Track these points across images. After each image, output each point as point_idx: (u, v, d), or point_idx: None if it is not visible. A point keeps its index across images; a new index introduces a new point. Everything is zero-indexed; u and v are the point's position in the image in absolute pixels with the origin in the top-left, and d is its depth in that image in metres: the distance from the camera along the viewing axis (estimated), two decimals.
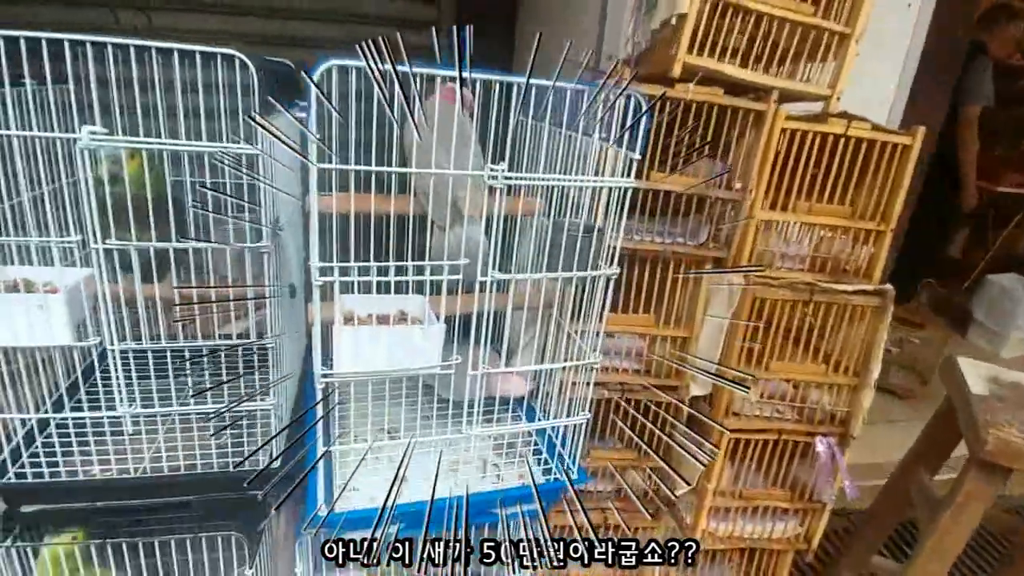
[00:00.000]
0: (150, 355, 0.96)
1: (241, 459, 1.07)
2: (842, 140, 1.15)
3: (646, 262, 1.24)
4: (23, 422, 0.99)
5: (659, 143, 1.16)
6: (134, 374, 0.95)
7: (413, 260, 0.91)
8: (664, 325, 1.29)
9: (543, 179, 0.90)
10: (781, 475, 1.35)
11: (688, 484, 1.35)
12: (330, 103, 0.74)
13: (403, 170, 0.84)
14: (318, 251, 0.82)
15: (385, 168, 0.83)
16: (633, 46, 1.30)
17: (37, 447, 1.01)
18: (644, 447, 1.36)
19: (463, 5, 2.27)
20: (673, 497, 1.37)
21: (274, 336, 0.99)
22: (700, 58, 1.08)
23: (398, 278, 0.89)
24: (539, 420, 1.18)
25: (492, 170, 0.83)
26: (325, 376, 0.88)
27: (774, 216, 1.18)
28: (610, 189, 0.95)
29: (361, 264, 0.86)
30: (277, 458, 0.93)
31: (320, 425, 0.96)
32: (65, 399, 1.07)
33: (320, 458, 0.95)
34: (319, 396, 0.90)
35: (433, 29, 2.29)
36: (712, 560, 1.52)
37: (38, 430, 1.03)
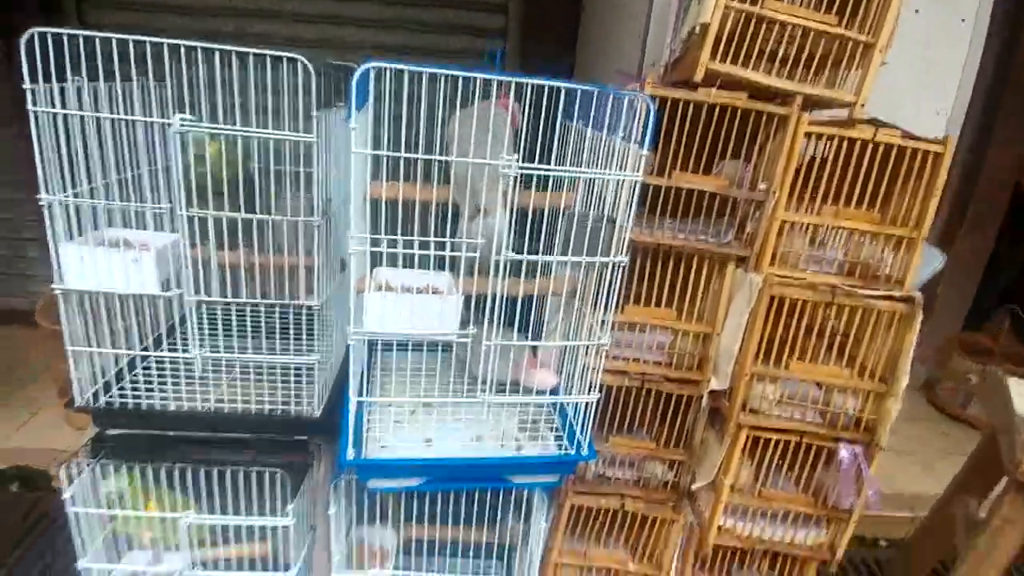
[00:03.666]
0: (219, 310, 1.13)
1: (290, 406, 1.23)
2: (870, 146, 1.16)
3: (670, 257, 1.30)
4: (116, 359, 1.20)
5: (683, 144, 1.22)
6: (206, 326, 1.13)
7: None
8: (687, 320, 1.33)
9: (555, 171, 1.00)
10: (804, 479, 1.35)
11: (706, 478, 1.38)
12: (361, 100, 0.88)
13: (429, 156, 0.96)
14: (355, 224, 0.96)
15: (412, 155, 0.95)
16: (670, 53, 1.37)
17: (125, 382, 1.21)
18: (665, 438, 1.42)
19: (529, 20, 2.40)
20: (691, 489, 1.40)
21: (320, 300, 1.14)
22: (723, 64, 1.14)
23: (422, 252, 1.01)
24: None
25: (507, 160, 0.94)
26: (355, 333, 1.01)
27: (797, 218, 1.21)
28: (621, 182, 1.03)
29: (390, 237, 0.99)
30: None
31: (353, 380, 1.10)
32: (151, 344, 1.28)
33: (350, 410, 1.08)
34: (352, 352, 1.04)
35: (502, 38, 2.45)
36: (739, 563, 1.52)
37: (128, 368, 1.24)
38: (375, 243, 1.00)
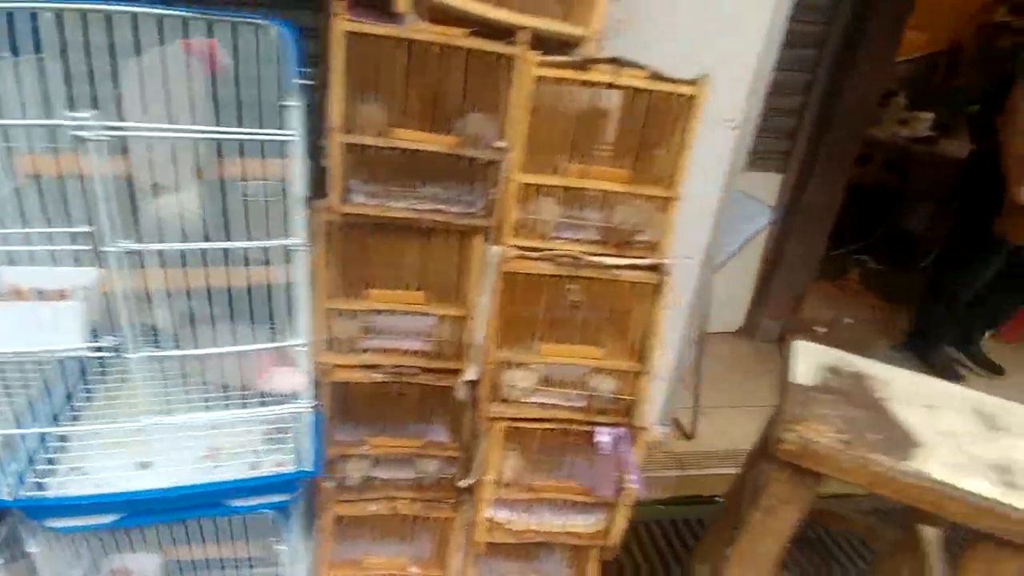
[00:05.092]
0: None
1: None
2: (614, 92, 1.00)
3: (408, 233, 1.12)
4: None
5: (420, 99, 1.02)
6: None
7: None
8: (440, 303, 1.17)
9: (136, 130, 0.76)
10: (572, 467, 1.23)
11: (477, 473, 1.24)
12: None
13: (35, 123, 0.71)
14: None
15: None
16: None
17: None
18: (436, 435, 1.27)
19: None
20: (460, 485, 1.27)
21: None
22: None
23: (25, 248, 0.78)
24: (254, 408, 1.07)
25: (77, 120, 0.70)
26: None
27: (535, 179, 1.04)
28: (282, 145, 0.83)
29: None
30: None
31: None
32: None
33: None
34: None
35: None
36: (530, 553, 1.42)
37: None
38: None
